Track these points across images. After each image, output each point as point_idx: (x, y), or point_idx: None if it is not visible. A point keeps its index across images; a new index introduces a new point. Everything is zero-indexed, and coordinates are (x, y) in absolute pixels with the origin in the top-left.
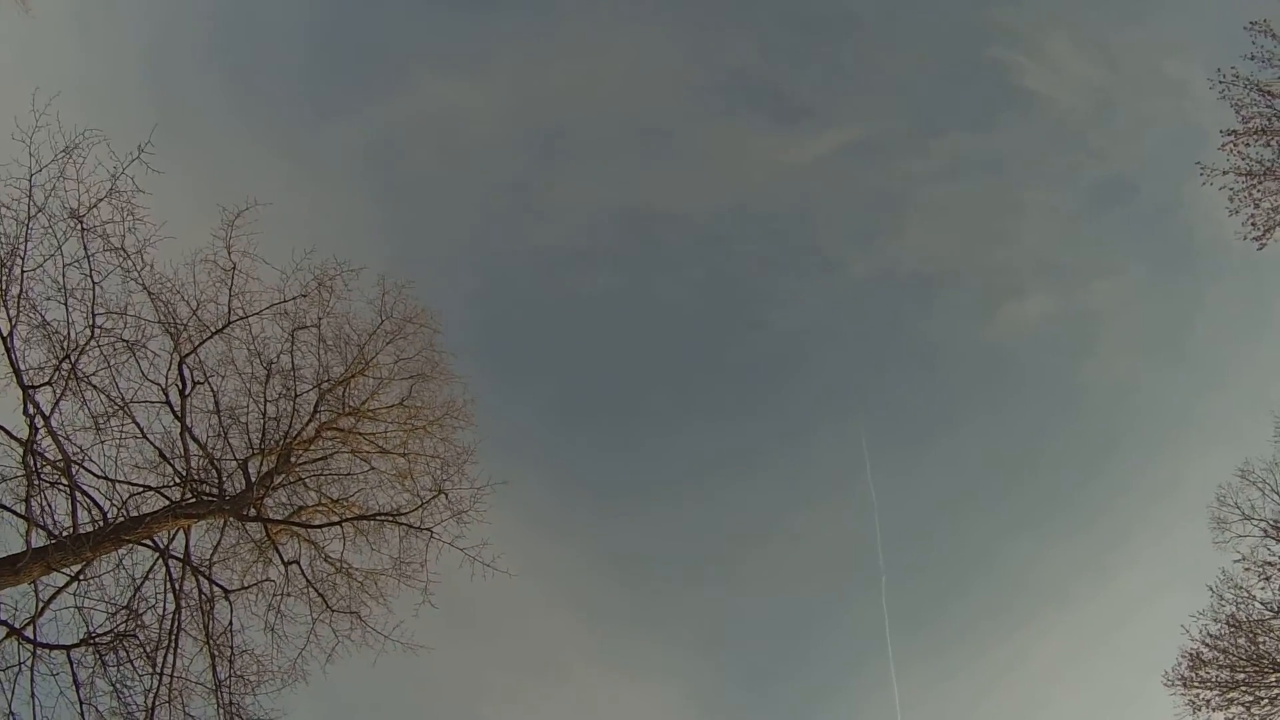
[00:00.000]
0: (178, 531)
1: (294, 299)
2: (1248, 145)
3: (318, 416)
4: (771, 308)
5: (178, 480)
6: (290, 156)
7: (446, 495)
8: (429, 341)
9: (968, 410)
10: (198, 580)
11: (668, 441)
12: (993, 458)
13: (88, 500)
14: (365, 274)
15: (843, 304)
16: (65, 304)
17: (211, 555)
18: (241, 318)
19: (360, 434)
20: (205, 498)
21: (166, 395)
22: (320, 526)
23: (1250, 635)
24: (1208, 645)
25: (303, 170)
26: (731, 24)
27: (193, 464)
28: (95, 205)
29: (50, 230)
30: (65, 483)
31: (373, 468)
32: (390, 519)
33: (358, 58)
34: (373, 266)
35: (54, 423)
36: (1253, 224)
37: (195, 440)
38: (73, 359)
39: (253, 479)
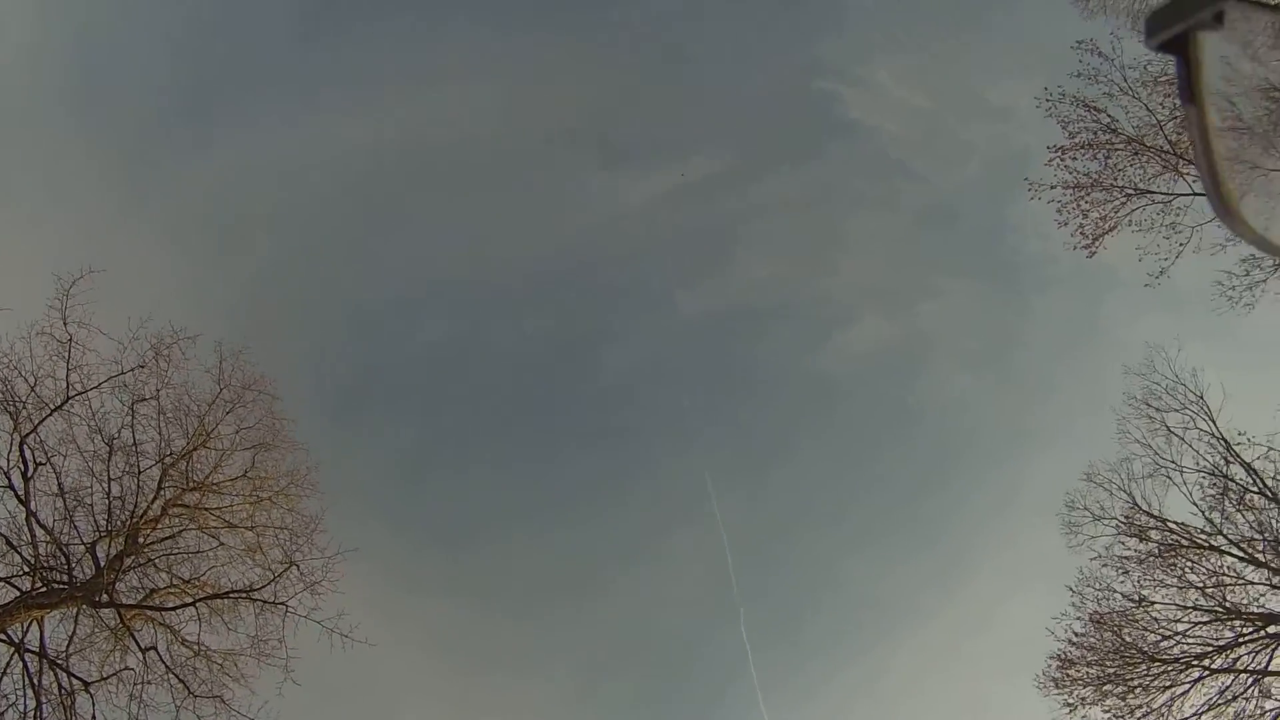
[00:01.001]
0: (31, 623)
1: (132, 370)
2: (1075, 159)
3: (162, 493)
4: (607, 347)
5: (26, 569)
6: (121, 214)
7: (298, 567)
8: (269, 409)
9: (803, 437)
10: (56, 674)
11: (513, 483)
12: (831, 482)
13: None
14: (202, 341)
15: (674, 340)
16: None
17: (68, 646)
18: (80, 393)
19: (206, 509)
20: (56, 585)
21: (9, 478)
22: (174, 609)
23: (1115, 629)
24: (1074, 644)
25: (136, 228)
26: (557, 65)
27: (40, 550)
28: None
29: None
30: None
31: (221, 543)
32: (244, 596)
33: (183, 103)
34: (207, 333)
35: None
36: (1082, 233)
37: (41, 525)
38: None
39: (102, 563)
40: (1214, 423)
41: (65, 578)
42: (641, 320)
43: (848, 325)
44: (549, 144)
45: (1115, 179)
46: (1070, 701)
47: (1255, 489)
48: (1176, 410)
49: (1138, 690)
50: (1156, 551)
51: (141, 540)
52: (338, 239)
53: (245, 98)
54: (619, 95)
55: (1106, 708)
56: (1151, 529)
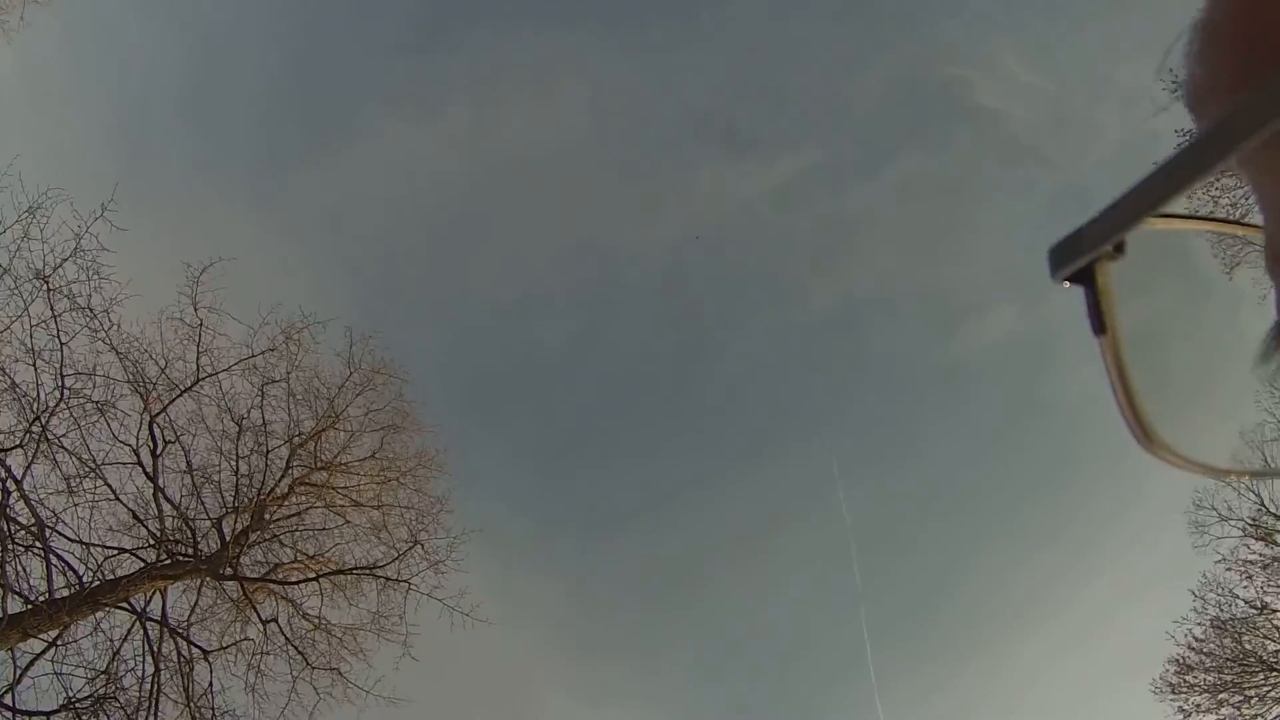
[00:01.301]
0: (154, 593)
1: (262, 354)
2: None
3: (290, 472)
4: (733, 338)
5: (152, 542)
6: (252, 209)
7: (423, 546)
8: (398, 392)
9: (933, 428)
10: (176, 642)
11: (637, 473)
12: (961, 473)
13: (62, 564)
14: (332, 327)
15: (803, 331)
16: (34, 365)
17: (189, 616)
18: (210, 375)
19: (334, 488)
20: (181, 558)
21: (138, 456)
22: (297, 583)
23: (1235, 635)
24: (1193, 649)
25: (264, 223)
26: (681, 57)
27: (167, 525)
28: (60, 265)
29: (16, 292)
30: (39, 547)
31: (347, 521)
32: (367, 572)
33: (312, 107)
34: (338, 318)
35: (26, 486)
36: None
37: (168, 500)
38: (43, 421)
39: (227, 538)
40: None
41: (190, 551)
42: (768, 311)
43: (978, 314)
44: (673, 134)
45: None
46: (1185, 708)
47: None
48: None
49: (1254, 700)
50: None
51: (268, 517)
52: (466, 238)
53: (366, 100)
54: (739, 86)
55: (1221, 716)
56: (1278, 532)
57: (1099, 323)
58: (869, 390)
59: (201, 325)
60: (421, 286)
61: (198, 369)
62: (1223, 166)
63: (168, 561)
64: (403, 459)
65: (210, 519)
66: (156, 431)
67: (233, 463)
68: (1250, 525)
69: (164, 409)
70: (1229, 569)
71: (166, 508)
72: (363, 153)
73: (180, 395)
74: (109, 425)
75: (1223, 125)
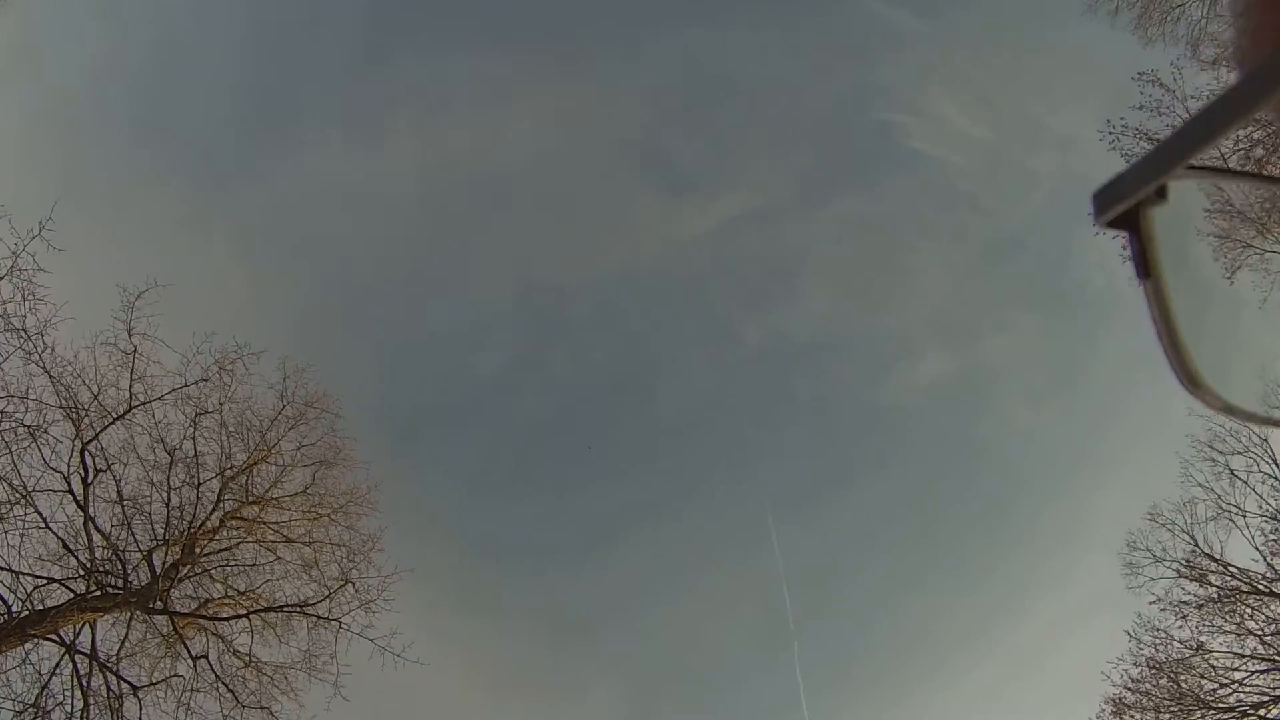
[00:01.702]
0: (84, 625)
1: (195, 383)
2: None
3: (221, 505)
4: (666, 377)
5: (82, 572)
6: (188, 231)
7: (354, 584)
8: (331, 427)
9: (866, 470)
10: (105, 676)
11: (568, 510)
12: (893, 514)
13: None
14: (265, 357)
15: (736, 371)
16: None
17: (119, 650)
18: (143, 403)
19: (265, 523)
20: (110, 590)
21: (69, 483)
22: (227, 619)
23: (1171, 675)
24: (1130, 689)
25: (199, 246)
26: (622, 93)
27: (97, 555)
28: None
29: None
30: None
31: (278, 557)
32: (298, 610)
33: (252, 127)
34: (270, 350)
35: None
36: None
37: (99, 531)
38: None
39: (158, 571)
40: (1278, 466)
41: (120, 583)
42: (702, 350)
43: (911, 358)
44: (608, 172)
45: None
46: None
47: None
48: (1240, 453)
49: None
50: (1216, 597)
51: (198, 550)
52: (398, 264)
53: (307, 122)
54: (680, 125)
55: None
56: (1212, 573)
57: (1143, 267)
58: (802, 431)
59: (135, 352)
60: (357, 315)
61: (131, 396)
62: (1258, 111)
63: (97, 593)
64: (334, 495)
65: (140, 551)
66: (88, 459)
67: (164, 494)
68: (1184, 566)
69: (96, 436)
70: (1163, 609)
71: (97, 538)
72: (302, 176)
73: (113, 423)
74: (40, 451)
75: (1260, 72)
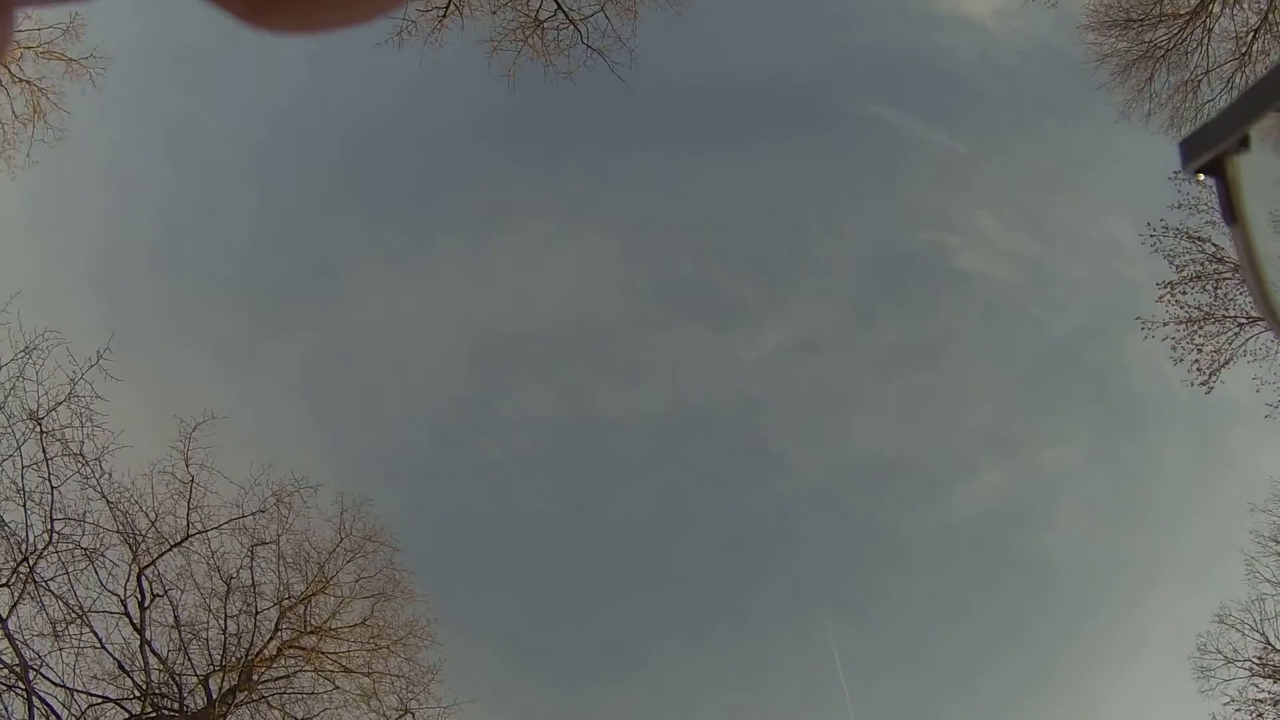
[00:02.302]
0: None
1: (252, 514)
2: (1184, 293)
3: (279, 634)
4: (722, 512)
5: (137, 694)
6: (241, 369)
7: (413, 715)
8: (389, 560)
9: (932, 596)
10: None
11: (630, 655)
12: (958, 640)
13: (45, 707)
14: (323, 491)
15: (794, 502)
16: (24, 506)
17: None
18: (200, 531)
19: (323, 653)
20: (166, 713)
21: (125, 606)
22: None
23: None
24: None
25: (253, 384)
26: (666, 230)
27: (152, 677)
28: (54, 408)
29: (9, 430)
30: (22, 687)
31: (337, 687)
32: None
33: (301, 270)
34: (328, 483)
35: (10, 625)
36: (1198, 368)
37: (155, 653)
38: (30, 562)
39: (214, 695)
40: None
41: (176, 706)
42: (761, 483)
43: (968, 478)
44: (661, 305)
45: (1226, 309)
46: None
47: None
48: None
49: None
50: None
51: (256, 677)
52: (455, 407)
53: (359, 267)
54: (725, 257)
55: None
56: None
57: (1230, 214)
58: (863, 561)
59: (193, 481)
60: (409, 455)
61: (188, 525)
62: None
63: (152, 715)
64: (393, 627)
65: (197, 675)
66: (144, 584)
67: (221, 621)
68: (1257, 664)
69: (153, 562)
70: (1238, 709)
71: (153, 661)
72: (348, 315)
73: (170, 550)
74: (97, 573)
75: None
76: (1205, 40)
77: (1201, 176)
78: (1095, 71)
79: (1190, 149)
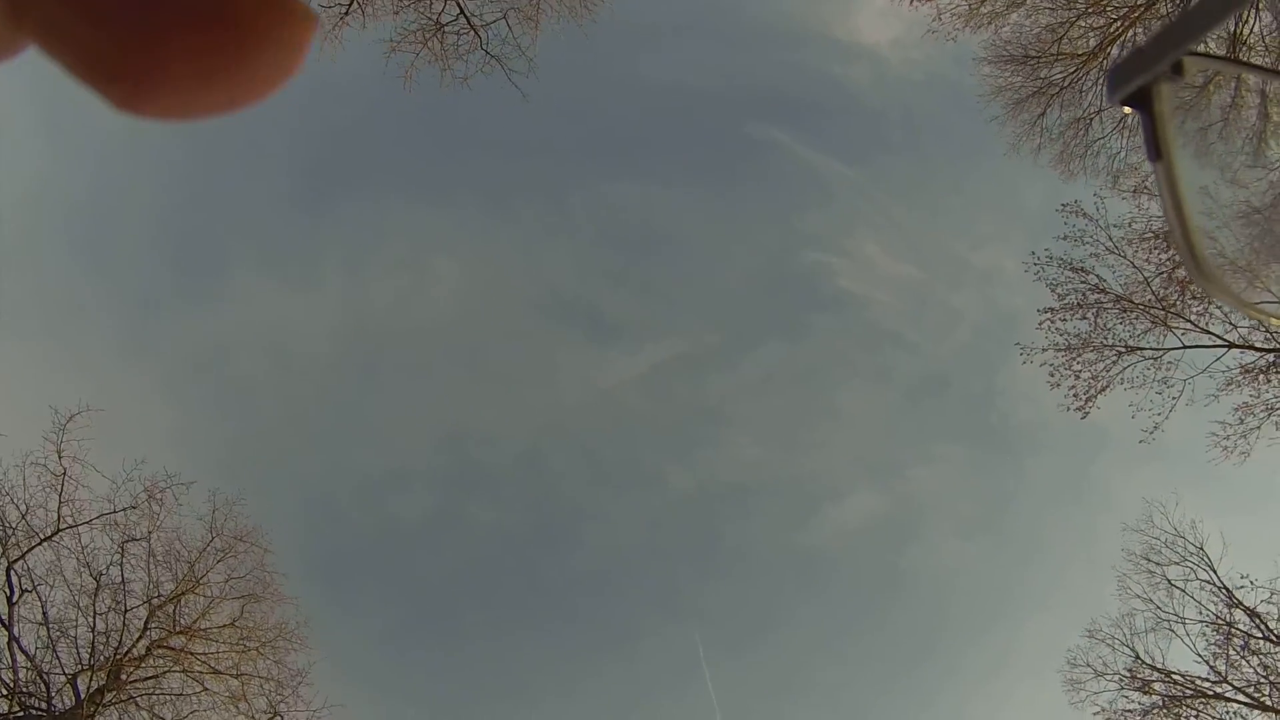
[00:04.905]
0: None
1: (124, 510)
2: (1065, 320)
3: (148, 634)
4: (591, 523)
5: (4, 692)
6: (121, 357)
7: (282, 718)
8: (260, 561)
9: (794, 612)
10: None
11: (494, 657)
12: (824, 654)
13: None
14: (195, 489)
15: (662, 517)
16: None
17: None
18: (71, 526)
19: (192, 654)
20: (34, 712)
21: None
22: None
23: None
24: None
25: (131, 373)
26: (548, 241)
27: (20, 676)
28: None
29: None
30: None
31: (205, 689)
32: None
33: (187, 258)
34: (205, 478)
35: None
36: (1074, 394)
37: (23, 650)
38: None
39: (82, 695)
40: (1215, 572)
41: (44, 705)
42: (628, 497)
43: (839, 498)
44: (539, 319)
45: (1105, 338)
46: None
47: (1260, 634)
48: (1177, 563)
49: None
50: (1162, 703)
51: (124, 677)
52: (330, 407)
53: (242, 261)
54: (605, 274)
55: None
56: (1155, 681)
57: (1154, 148)
58: (732, 575)
59: (65, 474)
60: (283, 454)
61: (58, 519)
62: None
63: (20, 714)
64: (262, 629)
65: (65, 674)
66: (13, 578)
67: (90, 619)
68: (1127, 677)
69: (22, 556)
70: None
71: (21, 659)
72: (236, 311)
73: (40, 544)
74: None
75: None
76: (1100, 80)
77: (1128, 110)
78: (988, 104)
79: (1117, 76)
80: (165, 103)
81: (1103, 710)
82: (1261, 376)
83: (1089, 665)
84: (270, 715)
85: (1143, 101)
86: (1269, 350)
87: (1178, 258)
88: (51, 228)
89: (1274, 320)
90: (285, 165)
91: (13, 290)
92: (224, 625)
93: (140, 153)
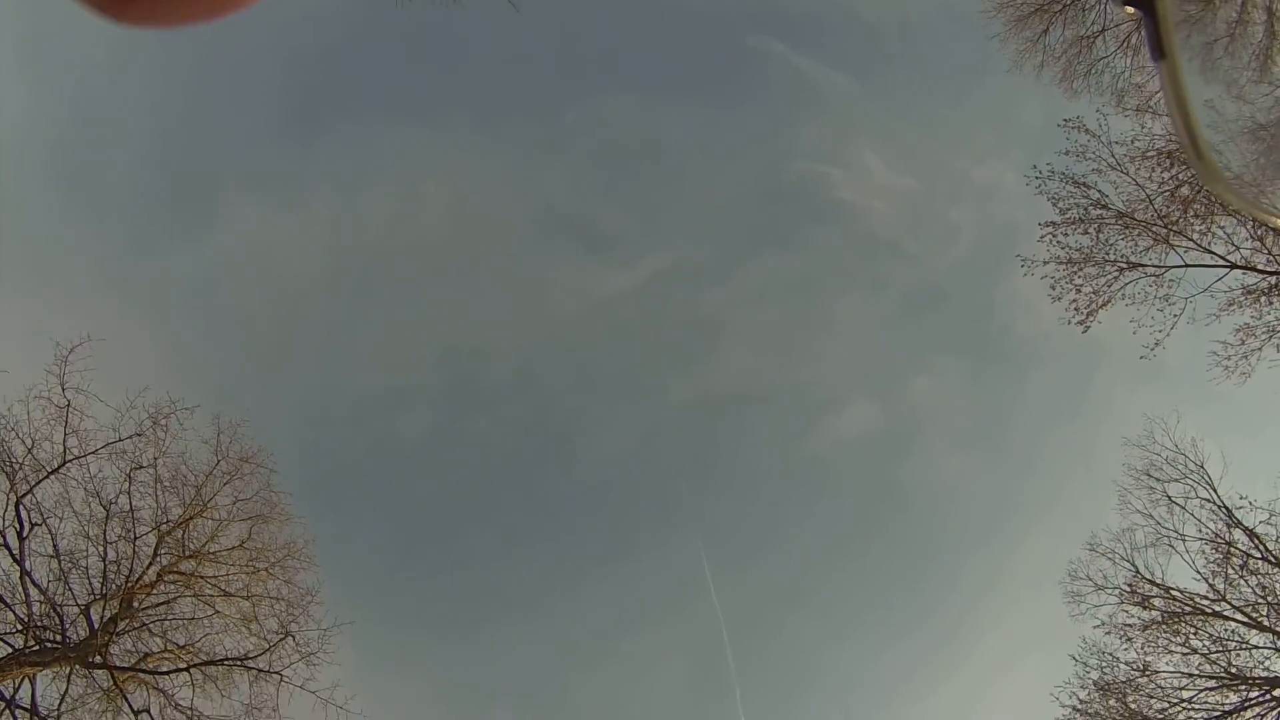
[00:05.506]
0: (23, 680)
1: (129, 438)
2: (1066, 235)
3: (158, 560)
4: (590, 436)
5: (19, 627)
6: (119, 288)
7: (293, 637)
8: (266, 482)
9: (794, 522)
10: None
11: (497, 571)
12: (824, 564)
13: None
14: (199, 413)
15: (661, 429)
16: None
17: (59, 705)
18: (78, 457)
19: (202, 577)
20: (48, 645)
21: (4, 537)
22: (168, 673)
23: (1120, 696)
24: (1079, 712)
25: (130, 303)
26: (541, 156)
27: (34, 609)
28: None
29: None
30: None
31: (217, 611)
32: (238, 664)
33: (180, 187)
34: (205, 404)
35: None
36: (1076, 308)
37: (35, 584)
38: None
39: (96, 625)
40: (1215, 491)
41: (59, 637)
42: (626, 409)
43: (837, 409)
44: (534, 232)
45: (1107, 254)
46: None
47: (1258, 554)
48: (1177, 480)
49: None
50: (1160, 619)
51: (136, 605)
52: (328, 328)
53: (235, 188)
54: (600, 185)
55: None
56: (1154, 597)
57: (1158, 49)
58: (731, 485)
59: (69, 406)
60: (283, 376)
61: (65, 450)
62: None
63: (35, 648)
64: (271, 550)
65: (78, 605)
66: (22, 513)
67: (100, 548)
68: (1126, 592)
69: (30, 490)
70: (1108, 633)
71: (33, 592)
72: (229, 237)
73: (47, 476)
74: None
75: None
76: None
77: (1130, 10)
78: (991, 20)
79: None
80: (147, 6)
81: (1103, 623)
82: (1264, 299)
83: (1089, 578)
84: (282, 635)
85: (1145, 3)
86: (1271, 273)
87: (1181, 173)
88: (45, 161)
89: (1262, 214)
90: (274, 88)
91: (9, 223)
92: (233, 547)
93: (123, 79)
